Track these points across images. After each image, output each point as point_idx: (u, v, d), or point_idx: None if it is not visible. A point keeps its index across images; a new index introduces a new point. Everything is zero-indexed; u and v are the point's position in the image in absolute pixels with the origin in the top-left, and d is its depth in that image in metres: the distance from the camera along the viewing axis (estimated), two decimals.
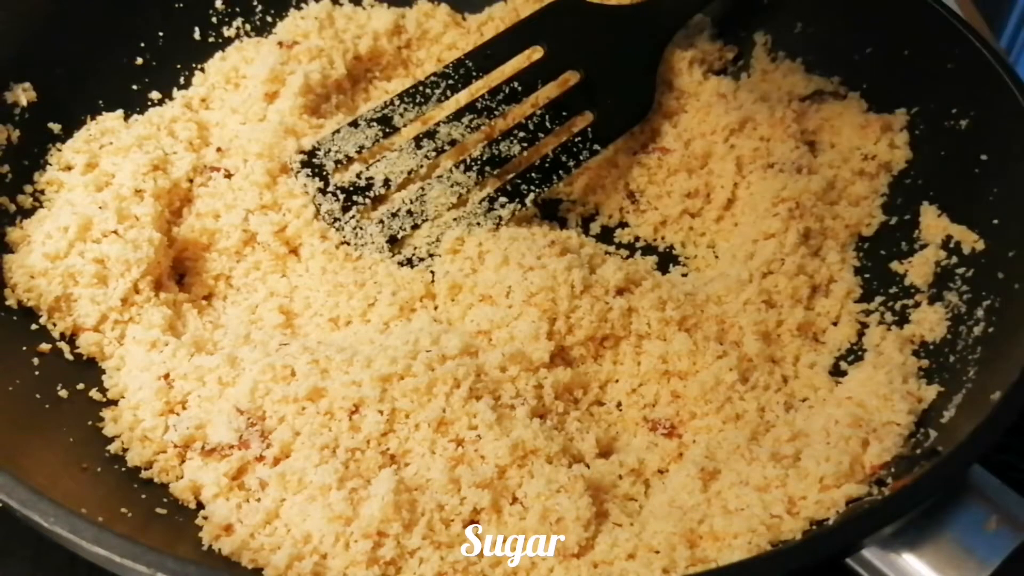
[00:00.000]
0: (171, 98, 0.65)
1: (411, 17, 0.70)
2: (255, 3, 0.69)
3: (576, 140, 0.62)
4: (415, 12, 0.70)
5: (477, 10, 0.71)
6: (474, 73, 0.62)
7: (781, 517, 0.45)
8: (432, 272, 0.58)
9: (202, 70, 0.67)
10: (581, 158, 0.62)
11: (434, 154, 0.61)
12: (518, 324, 0.53)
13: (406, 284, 0.57)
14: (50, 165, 0.59)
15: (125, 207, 0.57)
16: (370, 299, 0.56)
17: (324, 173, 0.60)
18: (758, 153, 0.63)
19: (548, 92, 0.63)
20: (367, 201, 0.60)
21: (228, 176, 0.62)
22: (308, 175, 0.60)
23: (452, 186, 0.61)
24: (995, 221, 0.54)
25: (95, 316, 0.53)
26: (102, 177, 0.58)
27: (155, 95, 0.65)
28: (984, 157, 0.56)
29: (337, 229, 0.59)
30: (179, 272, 0.59)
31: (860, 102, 0.64)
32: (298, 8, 0.69)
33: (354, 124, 0.62)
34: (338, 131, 0.61)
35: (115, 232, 0.55)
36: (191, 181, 0.61)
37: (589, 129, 0.62)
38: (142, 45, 0.65)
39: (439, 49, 0.69)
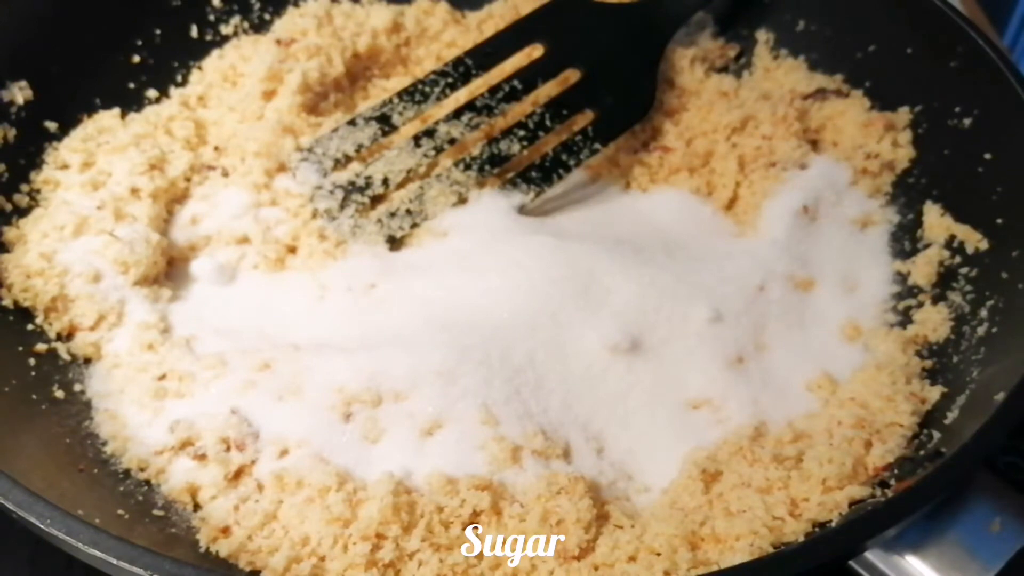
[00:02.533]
0: (168, 96, 0.65)
1: (410, 14, 0.69)
2: (253, 1, 0.69)
3: (576, 139, 0.62)
4: (414, 9, 0.70)
5: (476, 7, 0.71)
6: (473, 71, 0.62)
7: (783, 519, 0.45)
8: None
9: (199, 68, 0.66)
10: (582, 157, 0.62)
11: (433, 153, 0.61)
12: None
13: None
14: (46, 164, 0.58)
15: (122, 206, 0.56)
16: None
17: (322, 171, 0.60)
18: (760, 152, 0.62)
19: (548, 90, 0.63)
20: (365, 200, 0.60)
21: (225, 175, 0.61)
22: (306, 173, 0.59)
23: (452, 185, 0.60)
24: (999, 221, 0.54)
25: (91, 316, 0.53)
26: (99, 176, 0.57)
27: (152, 93, 0.65)
28: (988, 156, 0.56)
29: (335, 227, 0.58)
30: (176, 271, 0.58)
31: (863, 100, 0.63)
32: (296, 6, 0.69)
33: (352, 123, 0.61)
34: (336, 130, 0.61)
35: (112, 231, 0.54)
36: (188, 180, 0.61)
37: (590, 128, 0.62)
38: (139, 43, 0.65)
39: (438, 47, 0.69)
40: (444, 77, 0.62)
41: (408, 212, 0.60)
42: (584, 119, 0.63)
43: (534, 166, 0.61)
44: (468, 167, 0.60)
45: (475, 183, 0.60)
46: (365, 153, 0.61)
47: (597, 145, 0.62)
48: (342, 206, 0.59)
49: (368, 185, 0.60)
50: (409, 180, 0.61)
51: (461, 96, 0.62)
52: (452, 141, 0.61)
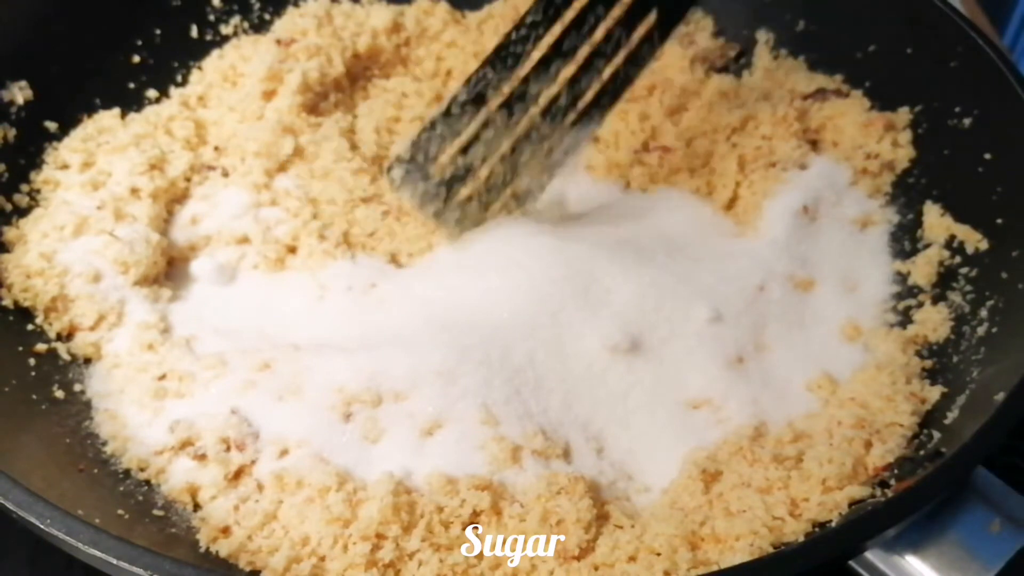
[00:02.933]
0: (168, 96, 0.65)
1: (410, 14, 0.69)
2: (253, 1, 0.69)
3: (639, 48, 0.57)
4: (414, 9, 0.70)
5: (476, 7, 0.71)
6: (560, 5, 0.55)
7: (783, 519, 0.45)
8: None
9: (199, 68, 0.66)
10: (642, 62, 0.57)
11: (525, 114, 0.56)
12: None
13: None
14: (46, 164, 0.58)
15: (122, 206, 0.56)
16: None
17: (424, 176, 0.56)
18: (760, 152, 0.62)
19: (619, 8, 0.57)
20: (466, 187, 0.57)
21: (225, 175, 0.61)
22: (409, 184, 0.56)
23: (541, 142, 0.57)
24: (999, 221, 0.54)
25: (91, 316, 0.53)
26: (99, 176, 0.58)
27: (152, 93, 0.65)
28: (988, 156, 0.56)
29: (442, 224, 0.57)
30: (176, 271, 0.58)
31: (863, 100, 0.63)
32: (296, 5, 0.69)
33: (447, 113, 0.56)
34: (433, 126, 0.56)
35: (112, 231, 0.54)
36: (188, 180, 0.61)
37: (651, 29, 0.57)
38: (139, 43, 0.65)
39: (438, 47, 0.69)
40: (534, 29, 0.55)
41: (502, 183, 0.57)
42: (646, 25, 0.57)
43: (605, 90, 0.57)
44: (555, 117, 0.57)
45: (561, 132, 0.57)
46: (461, 139, 0.56)
47: (656, 41, 0.57)
48: (446, 199, 0.57)
49: (468, 171, 0.57)
50: (504, 153, 0.57)
51: (547, 43, 0.56)
52: (539, 94, 0.56)
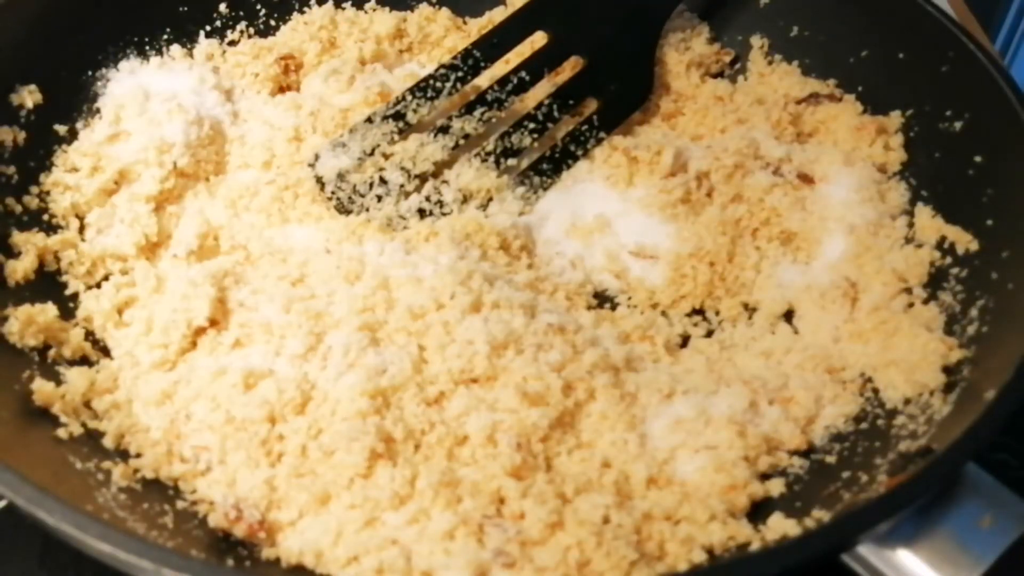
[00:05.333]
0: None
1: (412, 21, 0.70)
2: (259, 7, 0.70)
3: (583, 128, 0.62)
4: (416, 16, 0.71)
5: (477, 14, 0.72)
6: (482, 63, 0.61)
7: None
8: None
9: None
10: (588, 146, 0.62)
11: (451, 148, 0.60)
12: None
13: None
14: (56, 167, 0.59)
15: None
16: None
17: (342, 166, 0.58)
18: None
19: (554, 79, 0.62)
20: (396, 190, 0.58)
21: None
22: (326, 162, 0.58)
23: (476, 170, 0.60)
24: (989, 222, 0.55)
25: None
26: None
27: None
28: (978, 159, 0.57)
29: (359, 211, 0.58)
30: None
31: (855, 104, 0.64)
32: (301, 12, 0.70)
33: (369, 120, 0.60)
34: (353, 129, 0.60)
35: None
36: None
37: (594, 116, 0.62)
38: (148, 49, 0.66)
39: (440, 52, 0.70)
40: (454, 71, 0.61)
41: (440, 203, 0.59)
42: (589, 107, 0.62)
43: (544, 158, 0.61)
44: (484, 160, 0.60)
45: (494, 176, 0.60)
46: (384, 150, 0.59)
47: (602, 134, 0.62)
48: (356, 194, 0.58)
49: (388, 180, 0.59)
50: (430, 174, 0.59)
51: (471, 89, 0.61)
52: (467, 136, 0.60)
